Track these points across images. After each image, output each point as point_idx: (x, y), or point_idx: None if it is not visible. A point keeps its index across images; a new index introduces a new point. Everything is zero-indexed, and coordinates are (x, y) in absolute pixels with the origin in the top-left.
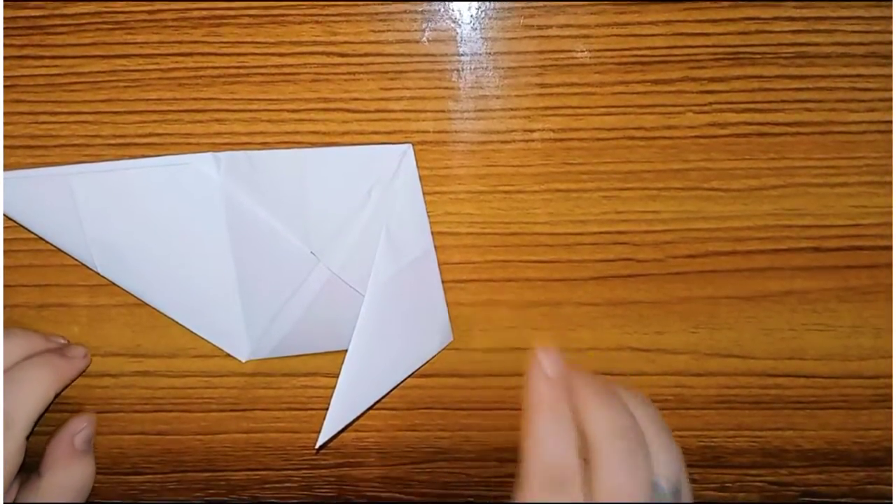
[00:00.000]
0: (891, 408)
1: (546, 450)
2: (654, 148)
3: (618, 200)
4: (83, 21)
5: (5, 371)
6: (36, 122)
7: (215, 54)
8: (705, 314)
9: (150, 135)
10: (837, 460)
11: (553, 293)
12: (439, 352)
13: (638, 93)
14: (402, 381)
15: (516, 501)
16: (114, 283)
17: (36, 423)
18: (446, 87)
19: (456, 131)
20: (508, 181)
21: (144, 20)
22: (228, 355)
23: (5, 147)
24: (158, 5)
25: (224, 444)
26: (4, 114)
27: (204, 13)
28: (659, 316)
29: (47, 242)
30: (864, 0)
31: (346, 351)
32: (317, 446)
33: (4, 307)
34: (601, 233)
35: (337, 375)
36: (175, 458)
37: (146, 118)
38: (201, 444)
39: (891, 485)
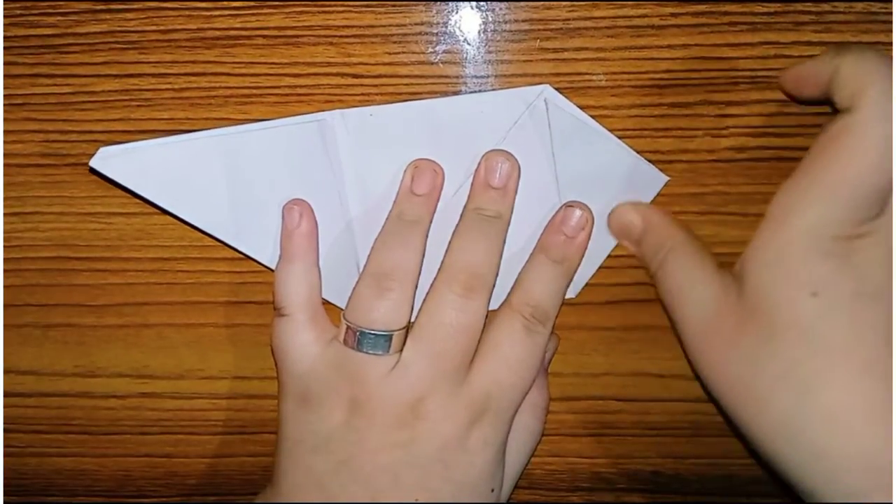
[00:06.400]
0: None
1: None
2: (671, 172)
3: None
4: (96, 41)
5: None
6: (47, 141)
7: (228, 74)
8: None
9: None
10: None
11: (567, 317)
12: None
13: (655, 116)
14: None
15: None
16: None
17: None
18: None
19: None
20: None
21: (157, 40)
22: (236, 377)
23: (14, 165)
24: (172, 25)
25: (230, 467)
26: (15, 132)
27: (217, 34)
28: (675, 341)
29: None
30: (884, 24)
31: None
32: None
33: (11, 327)
34: (617, 256)
35: None
36: (181, 482)
37: (158, 138)
38: (208, 468)
39: None
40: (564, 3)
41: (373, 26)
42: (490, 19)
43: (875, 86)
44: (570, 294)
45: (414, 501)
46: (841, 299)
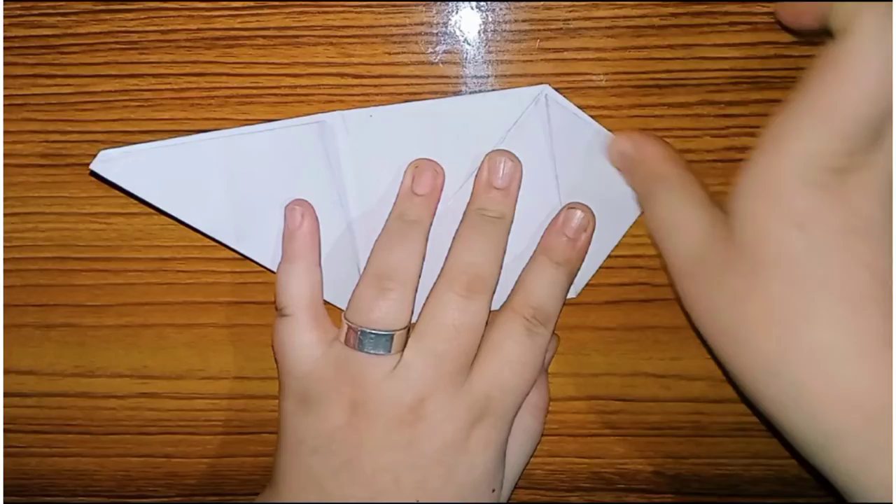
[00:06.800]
0: None
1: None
2: None
3: (634, 224)
4: (96, 41)
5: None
6: (47, 141)
7: (228, 75)
8: None
9: None
10: None
11: (567, 317)
12: None
13: (655, 116)
14: None
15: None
16: (248, 258)
17: None
18: None
19: None
20: None
21: (157, 40)
22: (236, 377)
23: (15, 165)
24: (172, 25)
25: (230, 467)
26: (15, 132)
27: (218, 34)
28: (675, 341)
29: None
30: None
31: None
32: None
33: (11, 327)
34: (617, 256)
35: None
36: (181, 482)
37: (158, 138)
38: (208, 468)
39: None
40: (564, 3)
41: (373, 26)
42: (490, 19)
43: (873, 7)
44: (571, 294)
45: (414, 502)
46: (828, 233)
